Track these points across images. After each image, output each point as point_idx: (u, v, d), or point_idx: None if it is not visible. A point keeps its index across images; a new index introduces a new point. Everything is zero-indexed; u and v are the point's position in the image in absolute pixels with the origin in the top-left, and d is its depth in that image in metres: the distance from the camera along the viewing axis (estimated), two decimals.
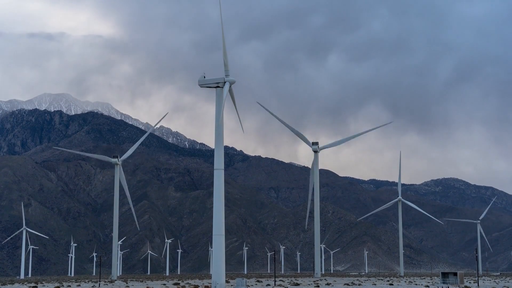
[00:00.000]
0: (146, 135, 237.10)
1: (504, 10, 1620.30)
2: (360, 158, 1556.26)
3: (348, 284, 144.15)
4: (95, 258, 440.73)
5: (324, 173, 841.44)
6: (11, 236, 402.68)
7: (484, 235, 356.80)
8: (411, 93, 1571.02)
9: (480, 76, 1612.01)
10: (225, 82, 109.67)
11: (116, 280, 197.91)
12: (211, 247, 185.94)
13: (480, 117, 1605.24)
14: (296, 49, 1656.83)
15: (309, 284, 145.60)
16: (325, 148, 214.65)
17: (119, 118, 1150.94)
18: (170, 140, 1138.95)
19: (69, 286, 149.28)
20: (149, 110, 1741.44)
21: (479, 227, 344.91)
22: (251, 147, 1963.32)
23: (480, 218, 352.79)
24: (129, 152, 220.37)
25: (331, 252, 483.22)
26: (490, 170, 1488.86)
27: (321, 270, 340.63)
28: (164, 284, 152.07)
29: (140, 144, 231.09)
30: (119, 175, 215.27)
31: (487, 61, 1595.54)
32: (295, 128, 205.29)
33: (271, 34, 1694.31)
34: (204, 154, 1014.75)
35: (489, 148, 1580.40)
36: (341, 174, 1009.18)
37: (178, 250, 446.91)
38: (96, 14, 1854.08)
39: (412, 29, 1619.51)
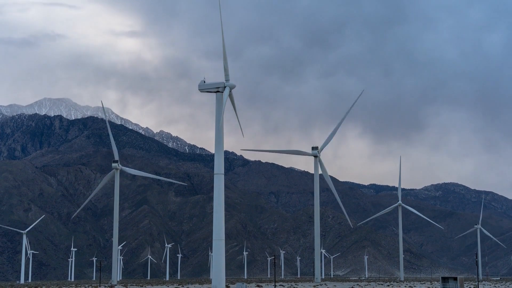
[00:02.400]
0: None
1: (481, 22, 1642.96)
2: (360, 162, 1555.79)
3: None
4: (95, 263, 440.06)
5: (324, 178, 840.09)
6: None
7: (490, 235, 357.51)
8: (406, 99, 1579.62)
9: (470, 83, 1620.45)
10: (225, 87, 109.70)
11: (116, 285, 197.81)
12: (211, 252, 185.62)
13: (478, 121, 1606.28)
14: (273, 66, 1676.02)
15: None
16: (324, 147, 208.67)
17: (119, 123, 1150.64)
18: (170, 144, 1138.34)
19: None
20: (149, 114, 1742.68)
21: (479, 232, 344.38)
22: (251, 152, 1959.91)
23: (478, 224, 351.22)
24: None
25: (331, 257, 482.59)
26: (490, 175, 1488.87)
27: (321, 275, 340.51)
28: None
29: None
30: (119, 181, 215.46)
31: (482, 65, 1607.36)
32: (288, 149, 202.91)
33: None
34: (204, 158, 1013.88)
35: (489, 152, 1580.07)
36: (341, 179, 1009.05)
37: (178, 255, 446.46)
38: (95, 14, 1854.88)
39: (391, 43, 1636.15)
